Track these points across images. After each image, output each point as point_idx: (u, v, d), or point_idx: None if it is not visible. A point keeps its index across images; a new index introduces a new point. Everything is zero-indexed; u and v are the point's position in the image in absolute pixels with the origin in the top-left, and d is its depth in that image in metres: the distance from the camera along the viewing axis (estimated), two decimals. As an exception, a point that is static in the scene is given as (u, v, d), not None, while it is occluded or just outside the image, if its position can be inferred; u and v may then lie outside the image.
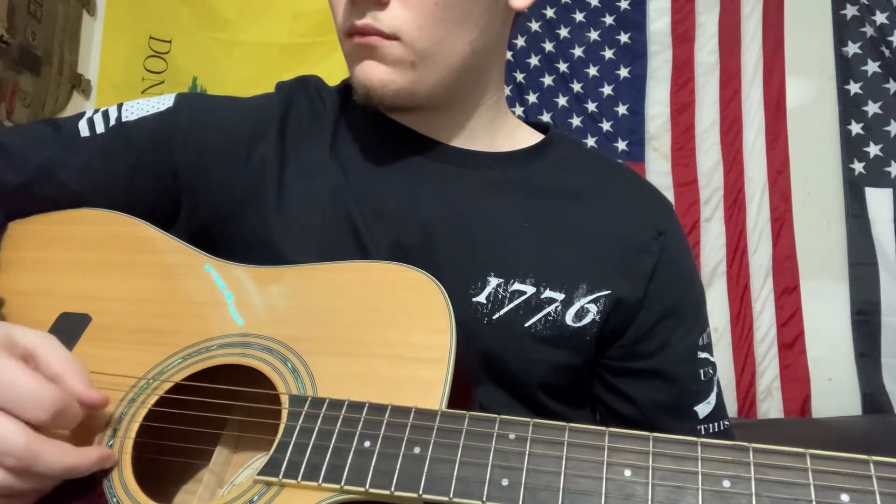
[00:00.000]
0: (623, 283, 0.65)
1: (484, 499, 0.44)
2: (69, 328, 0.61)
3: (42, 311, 0.62)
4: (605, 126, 2.36)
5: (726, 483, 0.42)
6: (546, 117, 2.37)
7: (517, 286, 0.63)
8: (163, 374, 0.56)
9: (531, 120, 0.78)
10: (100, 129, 0.69)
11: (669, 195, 2.26)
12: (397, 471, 0.46)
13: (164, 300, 0.62)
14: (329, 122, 0.71)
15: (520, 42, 2.39)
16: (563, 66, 2.39)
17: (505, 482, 0.44)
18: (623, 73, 2.38)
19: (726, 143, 2.32)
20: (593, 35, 2.41)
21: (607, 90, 2.38)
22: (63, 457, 0.47)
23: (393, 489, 0.45)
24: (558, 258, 0.65)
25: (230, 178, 0.68)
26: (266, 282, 0.61)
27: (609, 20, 2.41)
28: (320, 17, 2.34)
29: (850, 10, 2.29)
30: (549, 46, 2.40)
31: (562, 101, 2.39)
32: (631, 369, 0.67)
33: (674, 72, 2.37)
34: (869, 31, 2.27)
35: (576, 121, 2.38)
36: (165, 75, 2.43)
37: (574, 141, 0.81)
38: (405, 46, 0.60)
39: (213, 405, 0.56)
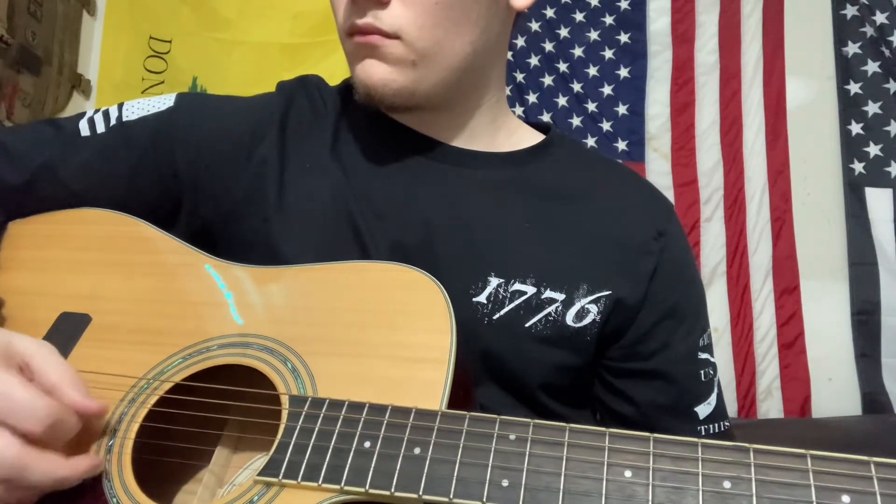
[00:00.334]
0: (623, 284, 0.65)
1: (484, 499, 0.44)
2: (69, 328, 0.61)
3: (42, 310, 0.62)
4: (605, 126, 2.36)
5: (727, 484, 0.42)
6: (546, 117, 2.37)
7: (518, 286, 0.63)
8: (163, 374, 0.56)
9: (531, 120, 0.78)
10: (100, 128, 0.69)
11: (669, 195, 2.26)
12: (397, 471, 0.46)
13: (164, 300, 0.62)
14: (330, 122, 0.71)
15: (520, 42, 2.39)
16: (563, 66, 2.39)
17: (505, 483, 0.44)
18: (623, 73, 2.38)
19: (726, 143, 2.32)
20: (593, 35, 2.41)
21: (607, 90, 2.38)
22: (53, 470, 0.47)
23: (393, 490, 0.45)
24: (559, 258, 0.65)
25: (231, 178, 0.68)
26: (266, 282, 0.61)
27: (609, 20, 2.41)
28: (320, 17, 2.34)
29: (850, 10, 2.29)
30: (549, 46, 2.40)
31: (562, 101, 2.39)
32: (631, 370, 0.67)
33: (674, 72, 2.37)
34: (869, 31, 2.26)
35: (576, 121, 2.38)
36: (165, 75, 2.43)
37: (575, 141, 0.81)
38: (406, 46, 0.60)
39: (213, 405, 0.56)
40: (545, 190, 0.68)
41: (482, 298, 0.63)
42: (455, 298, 0.54)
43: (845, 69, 2.28)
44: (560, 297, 0.63)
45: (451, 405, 0.49)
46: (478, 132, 0.70)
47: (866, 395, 2.12)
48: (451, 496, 0.44)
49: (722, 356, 2.15)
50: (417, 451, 0.46)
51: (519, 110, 2.37)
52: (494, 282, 0.63)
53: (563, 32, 2.41)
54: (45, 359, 0.50)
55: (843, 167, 2.24)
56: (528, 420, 0.47)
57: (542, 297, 0.63)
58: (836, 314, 2.18)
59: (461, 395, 0.52)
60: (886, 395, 2.11)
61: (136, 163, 0.68)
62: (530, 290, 0.63)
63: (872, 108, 2.25)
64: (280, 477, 0.47)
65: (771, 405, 2.17)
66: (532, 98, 2.39)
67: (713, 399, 0.68)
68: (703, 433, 0.67)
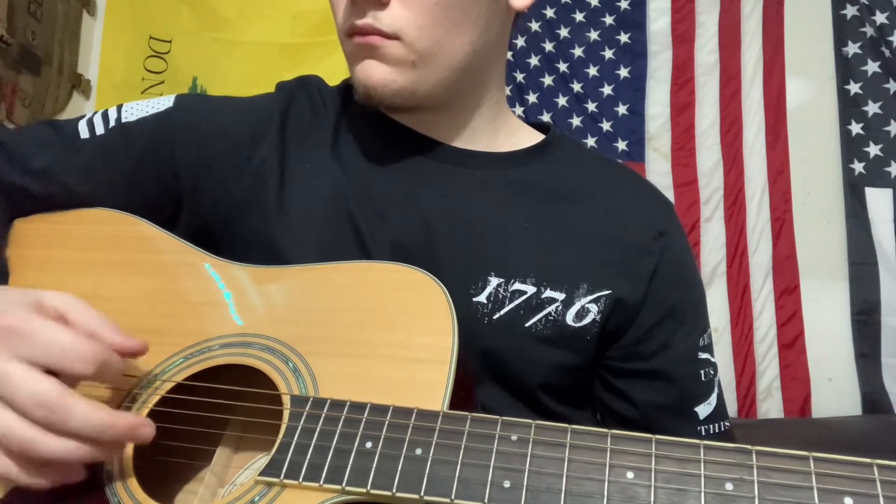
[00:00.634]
0: (624, 284, 0.65)
1: (486, 500, 0.44)
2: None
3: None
4: (605, 126, 2.36)
5: (729, 486, 0.42)
6: (546, 117, 2.37)
7: (518, 286, 0.63)
8: (164, 373, 0.56)
9: (531, 120, 0.78)
10: (100, 130, 0.69)
11: (669, 195, 2.26)
12: (399, 472, 0.46)
13: (165, 300, 0.62)
14: (330, 122, 0.71)
15: (520, 42, 2.39)
16: (563, 66, 2.39)
17: (507, 484, 0.44)
18: (623, 73, 2.38)
19: (726, 143, 2.32)
20: (593, 35, 2.41)
21: (607, 90, 2.38)
22: (95, 411, 0.46)
23: (394, 490, 0.45)
24: (559, 258, 0.65)
25: (231, 178, 0.68)
26: (267, 281, 0.61)
27: (609, 20, 2.41)
28: (320, 17, 2.34)
29: (850, 10, 2.29)
30: (549, 46, 2.40)
31: (562, 101, 2.39)
32: (631, 370, 0.67)
33: (674, 72, 2.37)
34: (869, 31, 2.27)
35: (576, 121, 2.38)
36: (165, 75, 2.43)
37: (575, 141, 0.81)
38: (406, 46, 0.60)
39: (215, 405, 0.56)
40: (545, 190, 0.68)
41: (482, 298, 0.63)
42: (455, 298, 0.54)
43: (845, 69, 2.28)
44: (560, 296, 0.63)
45: (452, 406, 0.49)
46: (478, 132, 0.70)
47: (866, 395, 2.13)
48: (453, 497, 0.44)
49: (722, 356, 2.15)
50: (419, 451, 0.46)
51: (519, 110, 2.37)
52: (494, 281, 0.63)
53: (563, 32, 2.41)
54: (79, 309, 0.50)
55: (843, 167, 2.24)
56: (530, 421, 0.47)
57: (543, 296, 0.63)
58: (836, 314, 2.18)
59: (463, 395, 0.52)
60: (886, 395, 2.11)
61: (136, 164, 0.68)
62: (530, 289, 0.63)
63: (872, 108, 2.25)
64: (281, 477, 0.47)
65: (771, 405, 2.17)
66: (532, 98, 2.39)
67: (713, 399, 0.68)
68: (704, 433, 0.67)
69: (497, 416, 0.47)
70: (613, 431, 0.45)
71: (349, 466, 0.47)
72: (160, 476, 0.56)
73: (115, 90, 2.40)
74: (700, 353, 0.68)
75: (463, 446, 0.46)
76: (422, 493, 0.45)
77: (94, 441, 0.46)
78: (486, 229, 0.65)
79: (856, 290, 2.17)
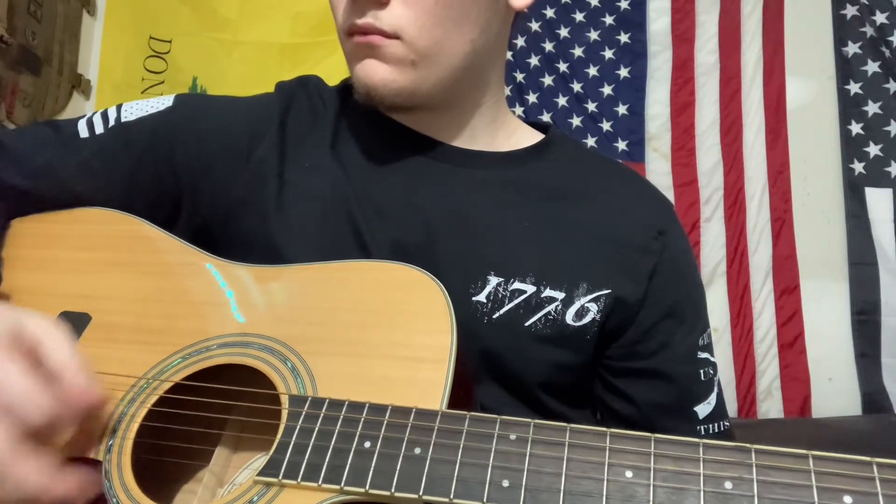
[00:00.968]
0: (623, 283, 0.65)
1: (484, 500, 0.44)
2: (69, 327, 0.60)
3: (42, 309, 0.61)
4: (605, 126, 2.36)
5: (728, 485, 0.42)
6: (546, 117, 2.37)
7: (517, 285, 0.63)
8: (162, 373, 0.56)
9: (531, 120, 0.78)
10: (99, 129, 0.69)
11: (669, 195, 2.26)
12: (397, 471, 0.46)
13: (164, 299, 0.62)
14: (329, 122, 0.71)
15: (520, 42, 2.39)
16: (563, 66, 2.39)
17: (505, 483, 0.44)
18: (623, 73, 2.38)
19: (726, 143, 2.32)
20: (593, 35, 2.41)
21: (607, 90, 2.38)
22: (33, 477, 0.45)
23: (393, 490, 0.45)
24: (558, 257, 0.65)
25: (230, 177, 0.68)
26: (266, 281, 0.61)
27: (609, 20, 2.41)
28: (320, 17, 2.34)
29: (850, 10, 2.29)
30: (549, 46, 2.40)
31: (562, 101, 2.39)
32: (631, 369, 0.67)
33: (674, 72, 2.37)
34: (869, 31, 2.27)
35: (576, 121, 2.38)
36: (165, 75, 2.43)
37: (574, 140, 0.81)
38: (406, 45, 0.60)
39: (213, 405, 0.56)
40: (545, 189, 0.68)
41: (482, 297, 0.63)
42: (455, 297, 0.54)
43: (845, 69, 2.28)
44: (560, 295, 0.63)
45: (451, 405, 0.49)
46: (478, 132, 0.70)
47: (866, 395, 2.13)
48: (452, 496, 0.44)
49: (722, 356, 2.15)
50: (418, 451, 0.46)
51: (519, 110, 2.37)
52: (494, 281, 0.63)
53: (563, 32, 2.41)
54: (55, 341, 0.49)
55: (843, 167, 2.24)
56: (529, 420, 0.47)
57: (542, 295, 0.63)
58: (836, 314, 2.18)
59: (462, 394, 0.52)
60: (886, 395, 2.11)
61: (136, 163, 0.68)
62: (530, 288, 0.63)
63: (872, 108, 2.25)
64: (280, 477, 0.47)
65: (771, 405, 2.17)
66: (532, 98, 2.39)
67: (713, 399, 0.68)
68: (703, 433, 0.67)
69: (496, 416, 0.47)
70: (612, 430, 0.45)
71: (348, 466, 0.47)
72: (159, 476, 0.56)
73: (115, 90, 2.40)
74: (700, 353, 0.68)
75: (462, 446, 0.46)
76: (420, 493, 0.45)
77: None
78: (486, 229, 0.65)
79: (856, 290, 2.17)
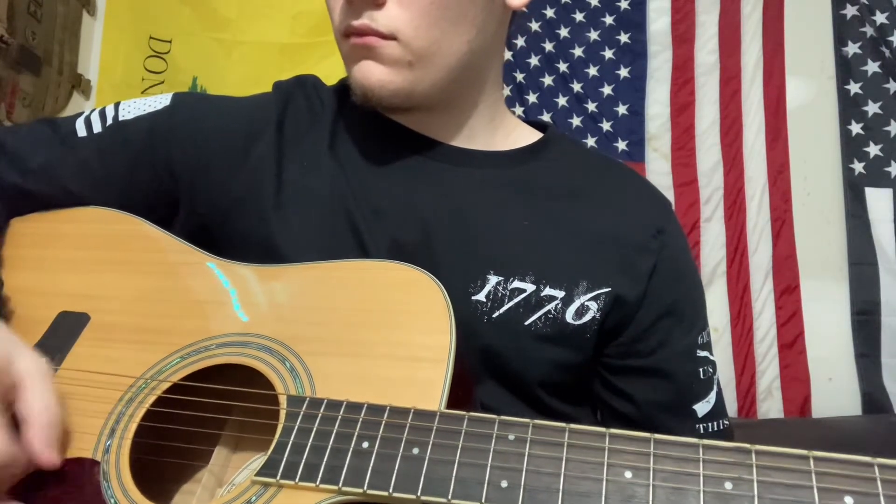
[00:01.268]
0: (623, 281, 0.65)
1: (483, 500, 0.43)
2: (68, 327, 0.60)
3: (41, 309, 0.62)
4: (605, 126, 2.36)
5: (728, 485, 0.41)
6: (546, 117, 2.37)
7: (517, 284, 0.63)
8: (161, 373, 0.56)
9: (530, 119, 0.78)
10: (97, 128, 0.69)
11: (669, 195, 2.26)
12: (395, 472, 0.46)
13: (163, 299, 0.62)
14: (327, 122, 0.71)
15: (520, 42, 2.39)
16: (563, 66, 2.39)
17: (504, 483, 0.44)
18: (623, 73, 2.38)
19: (726, 143, 2.32)
20: (593, 35, 2.41)
21: (607, 90, 2.38)
22: None
23: (391, 490, 0.45)
24: (558, 256, 0.65)
25: (228, 177, 0.68)
26: (264, 281, 0.61)
27: (609, 20, 2.41)
28: (320, 17, 2.34)
29: (850, 10, 2.29)
30: (549, 46, 2.40)
31: (562, 101, 2.38)
32: (630, 367, 0.67)
33: (674, 72, 2.37)
34: (869, 31, 2.26)
35: (576, 121, 2.37)
36: (165, 75, 2.42)
37: (573, 140, 0.81)
38: (402, 46, 0.60)
39: (212, 405, 0.55)
40: (544, 188, 0.68)
41: (481, 296, 0.63)
42: (454, 297, 0.54)
43: (845, 69, 2.28)
44: (559, 294, 0.63)
45: (450, 405, 0.49)
46: (476, 131, 0.70)
47: (866, 395, 2.12)
48: (450, 497, 0.44)
49: (722, 356, 2.15)
50: (416, 451, 0.46)
51: (519, 110, 2.37)
52: (493, 280, 0.63)
53: (563, 32, 2.41)
54: (34, 388, 0.50)
55: (843, 167, 2.24)
56: (528, 420, 0.46)
57: (542, 294, 0.63)
58: (836, 314, 2.18)
59: (461, 394, 0.52)
60: (886, 395, 2.11)
61: (133, 162, 0.68)
62: (530, 287, 0.63)
63: (872, 108, 2.25)
64: (278, 477, 0.47)
65: (771, 405, 2.17)
66: (532, 98, 2.39)
67: (712, 397, 0.68)
68: (702, 431, 0.67)
69: (494, 416, 0.47)
70: (611, 430, 0.45)
71: (346, 466, 0.46)
72: (157, 476, 0.55)
73: (115, 90, 2.40)
74: (699, 351, 0.68)
75: (460, 446, 0.46)
76: (419, 493, 0.44)
77: None
78: (485, 228, 0.65)
79: (856, 290, 2.17)
